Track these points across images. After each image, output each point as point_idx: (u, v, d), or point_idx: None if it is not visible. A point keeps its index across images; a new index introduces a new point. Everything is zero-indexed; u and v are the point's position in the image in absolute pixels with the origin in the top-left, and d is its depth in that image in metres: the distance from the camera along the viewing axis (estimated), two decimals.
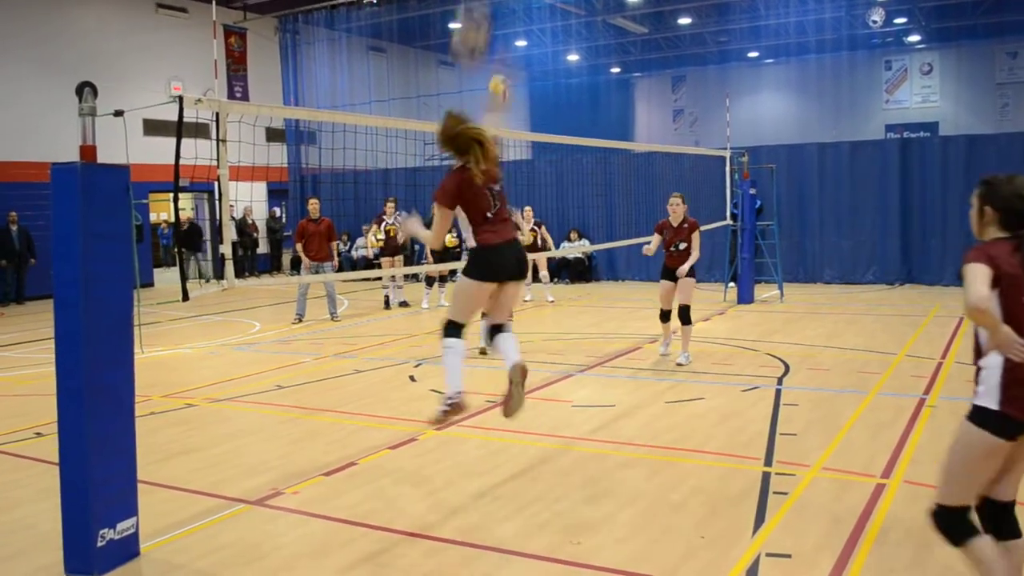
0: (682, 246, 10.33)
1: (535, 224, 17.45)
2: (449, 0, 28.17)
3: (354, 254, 22.72)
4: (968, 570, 3.88)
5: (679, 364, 10.15)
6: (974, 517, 3.68)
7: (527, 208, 17.39)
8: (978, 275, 3.45)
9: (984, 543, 3.62)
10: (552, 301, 16.68)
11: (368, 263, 21.93)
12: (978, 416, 3.59)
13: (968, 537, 3.63)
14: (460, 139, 5.35)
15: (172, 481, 6.34)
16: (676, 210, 10.41)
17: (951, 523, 3.67)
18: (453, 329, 5.45)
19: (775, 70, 38.50)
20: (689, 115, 40.95)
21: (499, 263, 5.37)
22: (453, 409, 5.31)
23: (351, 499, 5.86)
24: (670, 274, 10.46)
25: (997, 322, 3.47)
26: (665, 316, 10.69)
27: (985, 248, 3.55)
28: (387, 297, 16.77)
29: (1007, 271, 3.46)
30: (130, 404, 4.96)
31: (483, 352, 9.52)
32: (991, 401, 3.55)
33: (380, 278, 16.96)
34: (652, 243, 10.67)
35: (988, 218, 3.62)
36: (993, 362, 3.57)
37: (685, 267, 10.29)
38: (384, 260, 16.58)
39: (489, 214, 5.38)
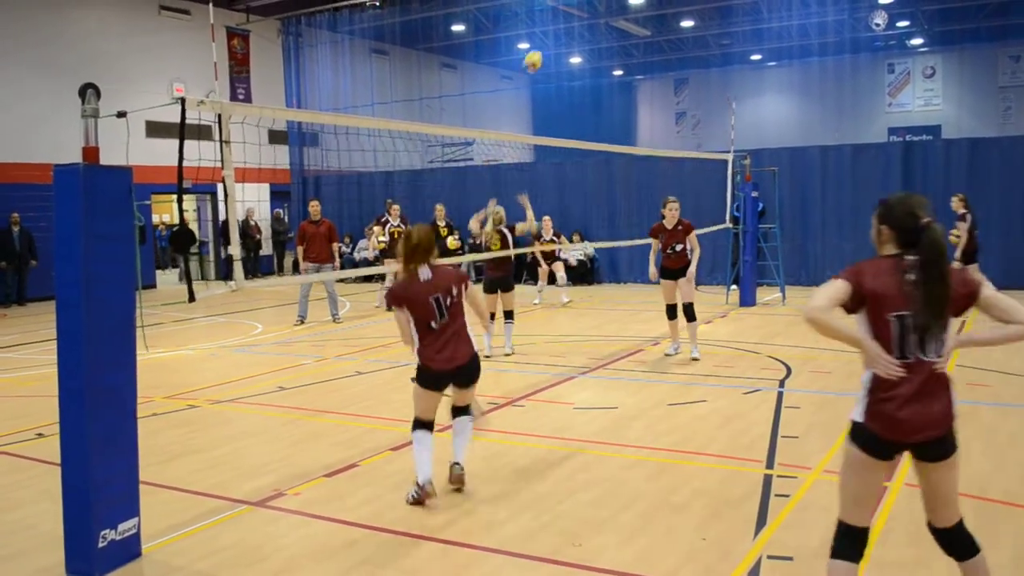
0: (679, 247, 10.56)
1: (554, 234, 17.71)
2: (451, 2, 28.22)
3: (356, 256, 22.72)
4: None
5: (694, 359, 10.43)
6: (863, 543, 3.59)
7: (546, 218, 17.54)
8: (828, 289, 3.51)
9: (839, 568, 3.56)
10: (568, 301, 16.73)
11: (370, 264, 21.97)
12: (851, 430, 3.57)
13: (839, 555, 3.58)
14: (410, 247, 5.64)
15: (174, 482, 6.34)
16: (675, 214, 10.64)
17: (840, 535, 3.61)
18: (418, 424, 5.82)
19: (778, 73, 38.52)
20: (691, 118, 40.97)
21: (438, 382, 5.75)
22: (422, 496, 5.62)
23: (353, 501, 5.86)
24: (671, 273, 10.67)
25: (854, 336, 3.53)
26: (672, 312, 10.82)
27: (860, 264, 3.54)
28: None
29: (871, 288, 3.43)
30: (132, 405, 4.96)
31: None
32: (859, 415, 3.54)
33: (383, 277, 16.96)
34: (652, 259, 10.95)
35: (884, 237, 3.57)
36: (864, 377, 3.59)
37: (692, 270, 10.54)
38: (388, 262, 16.59)
39: (433, 324, 5.60)
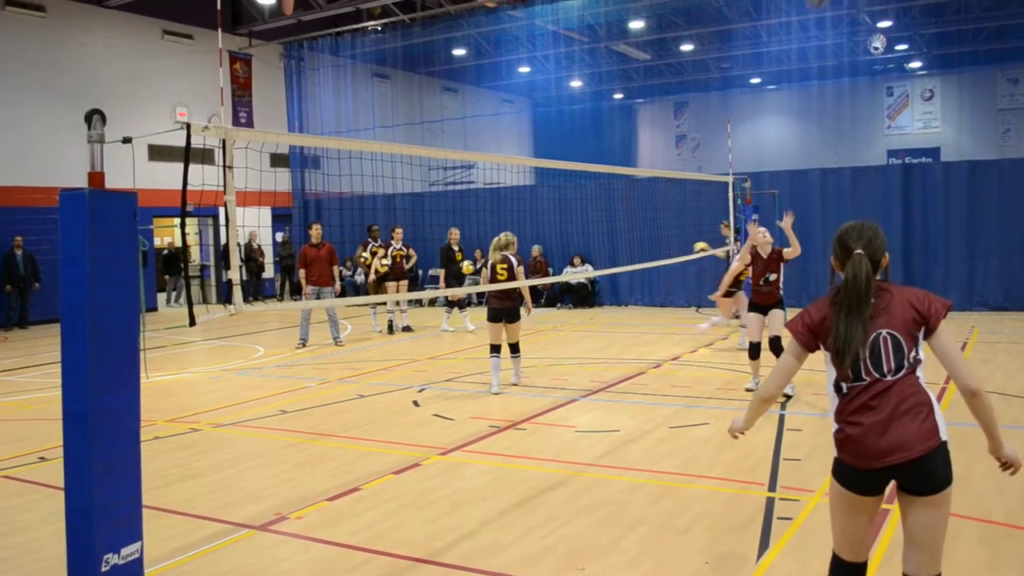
0: (772, 278, 9.83)
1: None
2: (453, 27, 28.39)
3: (357, 279, 22.76)
4: None
5: (787, 396, 9.54)
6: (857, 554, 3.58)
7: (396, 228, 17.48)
8: (783, 366, 3.66)
9: None
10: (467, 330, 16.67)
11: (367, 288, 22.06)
12: (833, 466, 3.53)
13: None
14: None
15: (176, 506, 6.34)
16: (763, 240, 9.96)
17: (831, 568, 3.62)
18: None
19: (777, 96, 38.70)
20: (691, 140, 41.14)
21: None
22: None
23: (355, 524, 5.85)
24: (759, 307, 9.85)
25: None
26: (755, 352, 9.87)
27: (805, 310, 3.63)
28: (391, 322, 16.82)
29: (817, 325, 3.52)
30: (135, 429, 4.96)
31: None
32: (834, 450, 3.51)
33: (384, 303, 17.06)
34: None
35: (834, 266, 3.62)
36: (830, 411, 3.58)
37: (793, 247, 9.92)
38: (389, 285, 16.67)
39: None
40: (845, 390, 3.39)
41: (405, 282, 16.95)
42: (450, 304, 17.03)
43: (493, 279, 10.63)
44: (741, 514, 5.79)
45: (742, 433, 4.04)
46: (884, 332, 3.36)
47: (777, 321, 9.68)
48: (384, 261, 16.67)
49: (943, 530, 3.41)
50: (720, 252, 16.41)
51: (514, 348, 10.71)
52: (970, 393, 3.45)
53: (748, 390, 9.99)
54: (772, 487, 6.37)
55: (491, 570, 5.02)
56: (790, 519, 5.65)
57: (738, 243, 15.88)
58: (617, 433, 8.22)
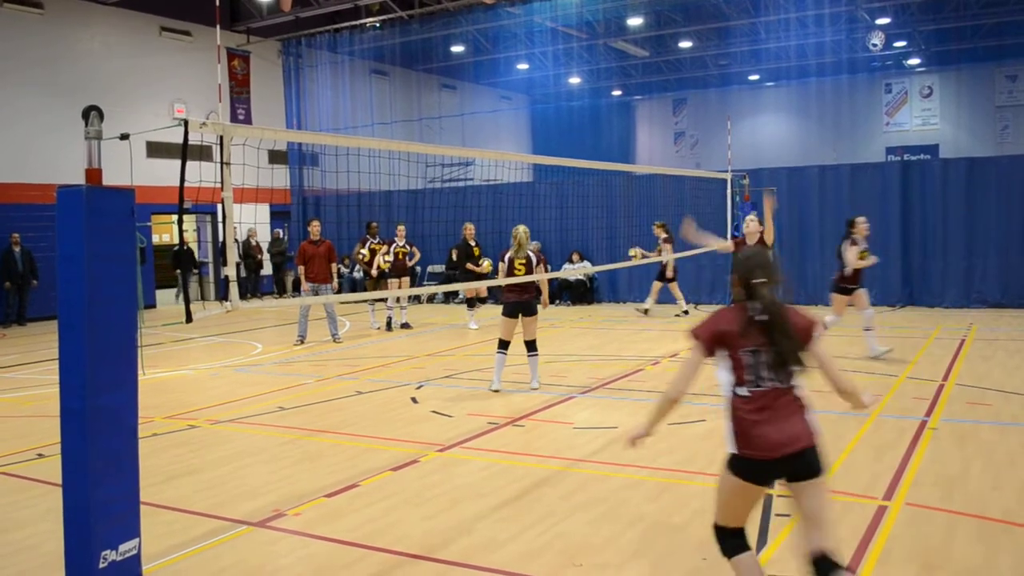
0: None
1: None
2: (451, 23, 28.37)
3: (356, 275, 22.76)
4: None
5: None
6: (744, 536, 4.10)
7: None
8: (686, 367, 4.06)
9: (744, 559, 4.06)
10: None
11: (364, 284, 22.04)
12: (727, 461, 3.97)
13: (733, 553, 4.08)
14: None
15: (174, 502, 6.34)
16: (751, 227, 10.12)
17: (720, 538, 4.12)
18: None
19: (776, 93, 38.70)
20: (690, 137, 41.14)
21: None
22: None
23: (353, 521, 5.86)
24: None
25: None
26: None
27: (711, 317, 4.05)
28: (389, 319, 16.83)
29: (724, 331, 3.93)
30: (133, 425, 4.96)
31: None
32: (732, 447, 3.93)
33: (384, 300, 17.08)
34: (724, 244, 10.42)
35: (734, 284, 4.06)
36: (725, 416, 4.01)
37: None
38: (391, 281, 16.70)
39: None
40: (747, 393, 3.87)
41: (407, 279, 16.98)
42: (470, 303, 16.99)
43: (510, 273, 10.39)
44: None
45: (647, 436, 4.20)
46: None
47: None
48: (387, 258, 16.69)
49: (831, 507, 4.00)
50: (652, 255, 16.71)
51: (531, 346, 10.40)
52: (841, 392, 4.07)
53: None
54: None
55: (489, 566, 5.02)
56: (788, 516, 5.65)
57: (736, 238, 15.89)
58: (615, 430, 8.22)
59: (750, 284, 3.94)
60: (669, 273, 17.52)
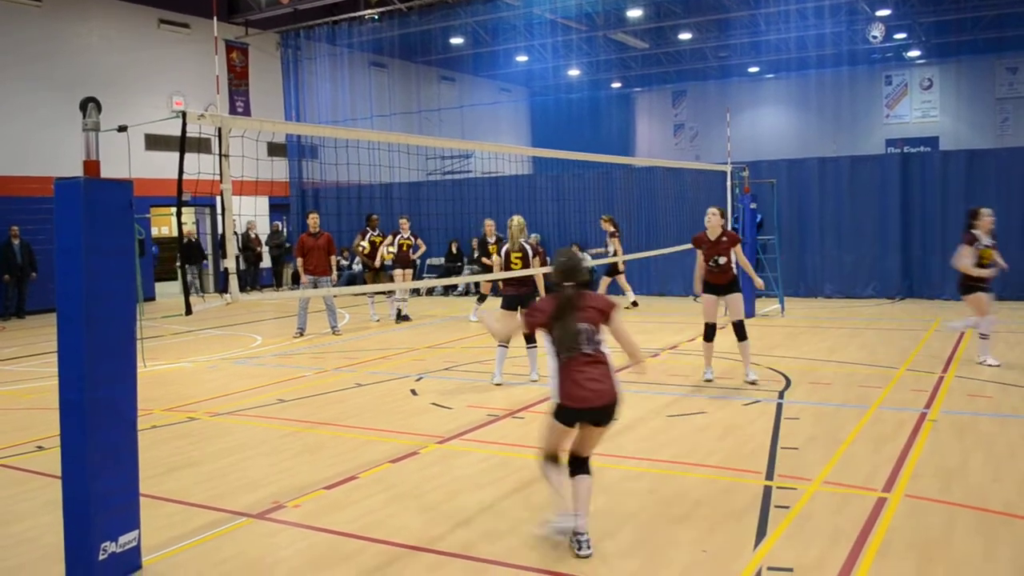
0: (721, 260, 9.79)
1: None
2: (450, 15, 28.31)
3: (355, 268, 22.76)
4: None
5: (752, 382, 9.69)
6: (560, 458, 5.29)
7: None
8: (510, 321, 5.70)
9: (556, 470, 5.29)
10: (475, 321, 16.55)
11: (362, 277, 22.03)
12: (553, 410, 5.17)
13: (548, 462, 5.31)
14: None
15: (174, 494, 6.34)
16: (712, 221, 9.91)
17: (543, 461, 5.32)
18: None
19: (775, 85, 38.66)
20: (690, 130, 41.11)
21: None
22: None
23: (352, 513, 5.86)
24: (713, 288, 9.92)
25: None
26: (710, 333, 9.94)
27: (538, 303, 5.45)
28: (399, 310, 16.83)
29: (542, 313, 5.24)
30: (132, 417, 4.96)
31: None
32: (556, 398, 5.15)
33: (381, 292, 17.07)
34: (696, 274, 10.03)
35: (555, 277, 5.33)
36: (551, 371, 5.36)
37: (752, 276, 10.20)
38: (395, 273, 16.71)
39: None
40: (563, 360, 5.11)
41: (410, 271, 16.94)
42: (482, 296, 16.87)
43: (507, 267, 10.39)
44: (738, 503, 5.80)
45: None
46: (584, 325, 5.11)
47: (737, 305, 9.89)
48: (391, 249, 16.68)
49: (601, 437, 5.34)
50: (601, 250, 16.69)
51: (529, 338, 10.32)
52: (628, 354, 5.35)
53: (707, 381, 9.96)
54: (769, 475, 6.38)
55: (488, 558, 5.02)
56: (787, 507, 5.66)
57: (735, 231, 15.87)
58: (615, 422, 8.20)
59: (561, 284, 5.23)
60: (620, 267, 17.51)
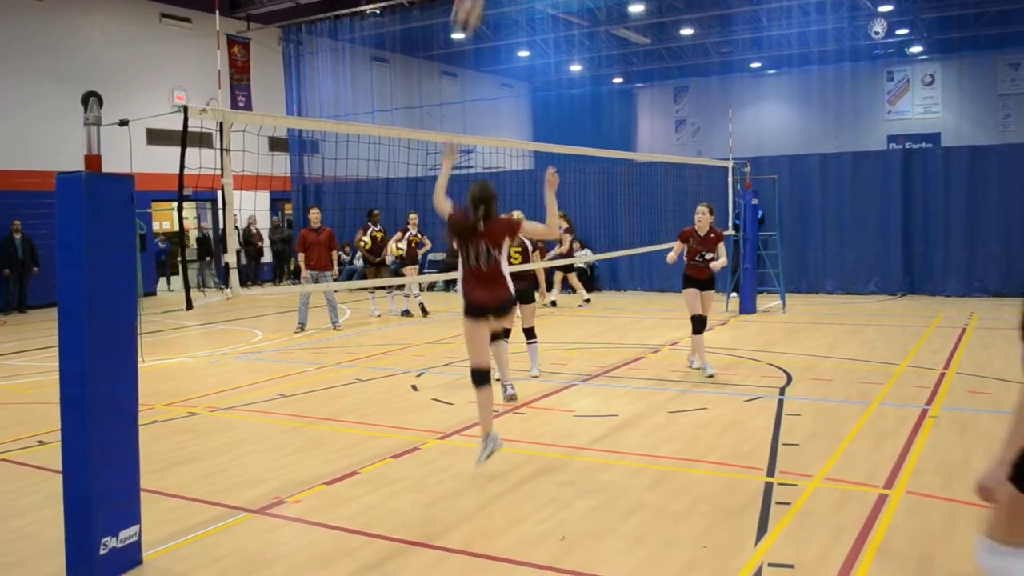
0: (708, 256, 10.13)
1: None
2: (451, 10, 28.22)
3: (356, 263, 22.72)
4: None
5: (695, 366, 10.27)
6: (488, 376, 6.52)
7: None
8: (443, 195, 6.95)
9: (484, 391, 6.49)
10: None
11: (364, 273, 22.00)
12: (463, 310, 6.51)
13: (479, 385, 6.49)
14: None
15: (175, 490, 6.34)
16: (703, 220, 10.16)
17: (472, 376, 6.50)
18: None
19: (777, 81, 38.60)
20: (691, 125, 41.06)
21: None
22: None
23: (354, 508, 5.86)
24: (695, 282, 10.19)
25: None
26: (699, 324, 10.14)
27: (450, 220, 6.72)
28: (422, 304, 16.83)
29: (453, 228, 6.62)
30: (133, 412, 4.96)
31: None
32: (462, 298, 6.54)
33: (383, 288, 17.07)
34: (674, 250, 10.33)
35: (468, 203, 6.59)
36: (459, 281, 6.71)
37: (717, 264, 10.19)
38: (406, 269, 16.72)
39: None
40: (464, 271, 6.52)
41: (415, 267, 16.95)
42: None
43: (507, 262, 10.46)
44: (739, 499, 5.80)
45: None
46: (484, 243, 6.45)
47: (709, 302, 10.26)
48: (400, 245, 16.68)
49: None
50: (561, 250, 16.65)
51: (529, 334, 10.42)
52: (549, 215, 6.90)
53: (709, 376, 10.02)
54: (771, 472, 6.38)
55: (489, 554, 5.02)
56: (788, 503, 5.66)
57: (736, 227, 15.87)
58: (616, 418, 8.22)
59: (472, 207, 6.51)
60: (577, 264, 17.51)
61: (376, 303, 17.37)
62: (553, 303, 17.79)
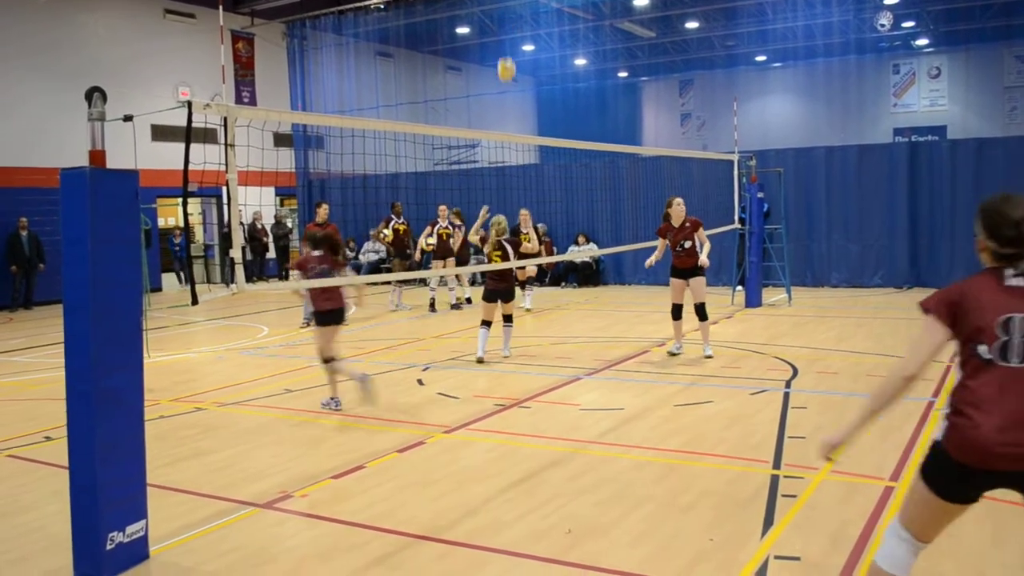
0: (687, 244, 10.80)
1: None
2: (456, 5, 28.24)
3: (362, 258, 22.74)
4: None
5: (707, 356, 10.71)
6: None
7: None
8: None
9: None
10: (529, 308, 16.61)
11: (375, 268, 21.98)
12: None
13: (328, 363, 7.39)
14: None
15: (181, 484, 6.36)
16: (678, 211, 10.92)
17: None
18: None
19: (783, 74, 38.49)
20: (697, 119, 40.97)
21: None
22: None
23: (360, 502, 5.86)
24: (680, 272, 10.93)
25: None
26: (677, 312, 11.02)
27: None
28: (433, 299, 16.78)
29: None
30: (139, 407, 4.97)
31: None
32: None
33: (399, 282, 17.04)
34: (656, 252, 11.27)
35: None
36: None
37: (704, 258, 10.80)
38: (436, 263, 16.57)
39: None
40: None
41: (452, 260, 16.78)
42: (522, 285, 16.71)
43: (490, 262, 11.26)
44: (745, 492, 5.79)
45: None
46: (316, 267, 7.71)
47: (700, 288, 10.85)
48: (430, 240, 16.62)
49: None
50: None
51: (507, 319, 11.34)
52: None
53: (671, 354, 10.97)
54: (776, 465, 6.37)
55: (495, 547, 5.02)
56: (794, 496, 5.65)
57: (742, 220, 15.84)
58: (621, 411, 8.22)
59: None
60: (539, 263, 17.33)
61: (401, 297, 17.27)
62: (468, 300, 17.54)
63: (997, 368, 3.21)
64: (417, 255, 16.85)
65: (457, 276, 17.28)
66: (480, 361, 10.87)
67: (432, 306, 16.72)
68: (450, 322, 15.16)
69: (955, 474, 3.26)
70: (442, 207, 16.97)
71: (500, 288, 11.03)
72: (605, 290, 20.02)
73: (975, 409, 3.20)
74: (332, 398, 8.73)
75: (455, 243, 16.76)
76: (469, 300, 17.12)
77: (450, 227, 16.71)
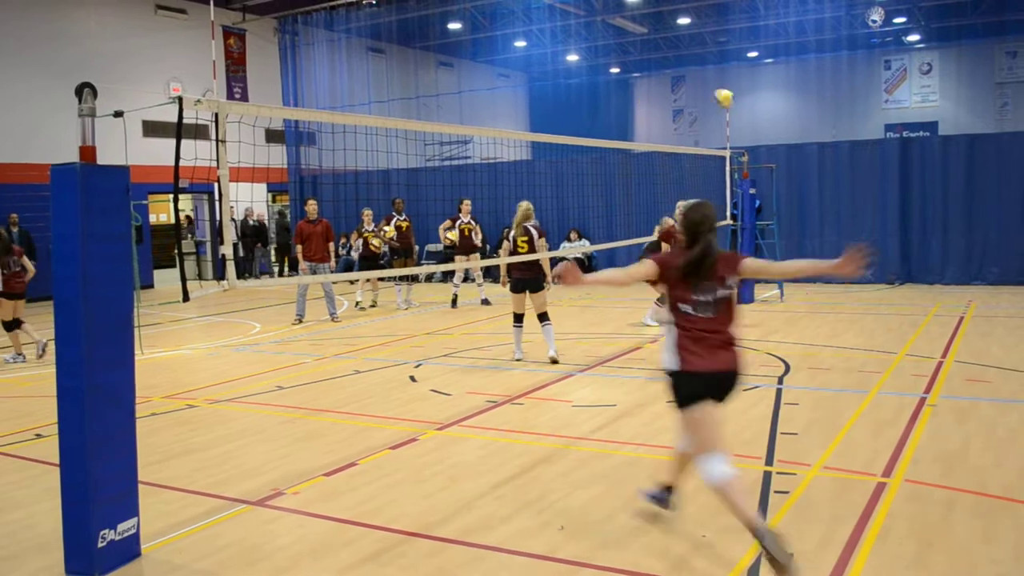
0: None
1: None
2: (448, 1, 28.20)
3: (354, 254, 22.67)
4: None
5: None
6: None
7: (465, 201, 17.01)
8: None
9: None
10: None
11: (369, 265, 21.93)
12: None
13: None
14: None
15: (173, 482, 6.34)
16: (666, 223, 11.01)
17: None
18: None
19: (774, 70, 38.55)
20: (688, 115, 41.01)
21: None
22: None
23: (352, 499, 5.85)
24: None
25: None
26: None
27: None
28: (455, 296, 16.71)
29: None
30: (130, 404, 4.95)
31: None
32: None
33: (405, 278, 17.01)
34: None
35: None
36: None
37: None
38: (458, 258, 16.44)
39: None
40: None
41: (476, 255, 16.66)
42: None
43: (514, 251, 10.75)
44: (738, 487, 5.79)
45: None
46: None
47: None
48: (451, 235, 16.57)
49: None
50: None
51: (543, 317, 10.81)
52: None
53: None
54: (769, 461, 6.38)
55: (487, 544, 5.02)
56: (787, 492, 5.66)
57: (734, 216, 15.85)
58: (614, 407, 8.22)
59: None
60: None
61: (412, 293, 17.20)
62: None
63: None
64: (443, 246, 16.59)
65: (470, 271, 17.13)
66: (519, 360, 10.67)
67: (454, 303, 16.64)
68: (443, 319, 15.15)
69: None
70: (465, 202, 16.82)
71: (527, 277, 10.62)
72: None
73: None
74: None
75: (477, 237, 16.68)
76: (486, 301, 16.96)
77: (472, 222, 16.61)
